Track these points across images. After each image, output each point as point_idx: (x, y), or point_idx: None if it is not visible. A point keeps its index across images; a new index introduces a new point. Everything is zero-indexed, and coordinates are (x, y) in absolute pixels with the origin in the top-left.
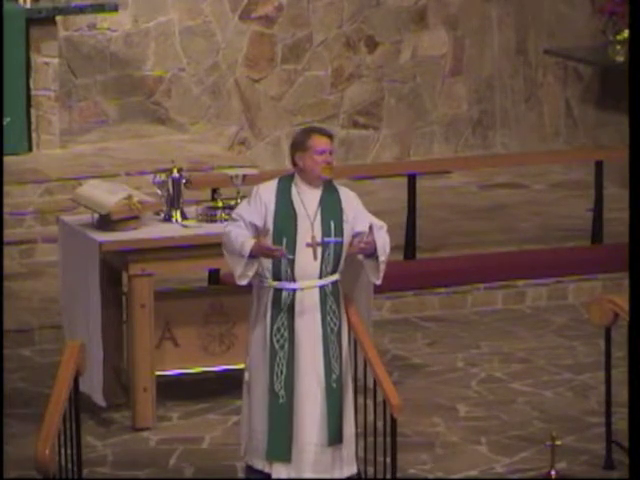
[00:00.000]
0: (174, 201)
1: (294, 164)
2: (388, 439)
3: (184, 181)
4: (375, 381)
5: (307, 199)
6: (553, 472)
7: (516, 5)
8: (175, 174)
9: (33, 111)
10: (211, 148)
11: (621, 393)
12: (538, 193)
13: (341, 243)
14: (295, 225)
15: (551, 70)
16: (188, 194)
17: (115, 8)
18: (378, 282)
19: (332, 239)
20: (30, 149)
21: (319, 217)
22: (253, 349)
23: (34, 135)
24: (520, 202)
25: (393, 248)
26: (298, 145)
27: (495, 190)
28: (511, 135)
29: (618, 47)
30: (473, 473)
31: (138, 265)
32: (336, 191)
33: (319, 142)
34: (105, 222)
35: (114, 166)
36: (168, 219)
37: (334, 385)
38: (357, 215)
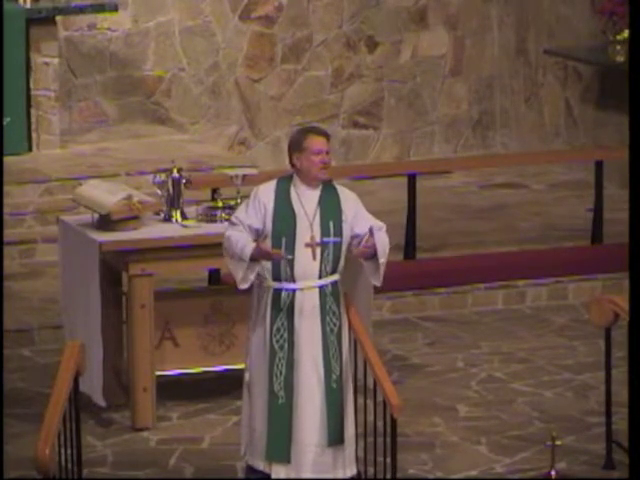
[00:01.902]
0: (174, 201)
1: (292, 164)
2: (388, 439)
3: (184, 181)
4: (375, 381)
5: (306, 199)
6: (553, 472)
7: (516, 5)
8: (175, 174)
9: (33, 111)
10: (211, 148)
11: (621, 393)
12: (538, 193)
13: (340, 243)
14: (294, 225)
15: (551, 70)
16: (188, 194)
17: (115, 8)
18: (379, 284)
19: (331, 239)
20: (30, 149)
21: (318, 217)
22: (253, 350)
23: (34, 135)
24: (520, 202)
25: (393, 248)
26: (295, 145)
27: (495, 190)
28: (511, 135)
29: (618, 47)
30: (473, 473)
31: (138, 265)
32: (335, 191)
33: (315, 142)
34: (105, 222)
35: (114, 166)
36: (168, 219)
37: (334, 385)
38: (356, 216)
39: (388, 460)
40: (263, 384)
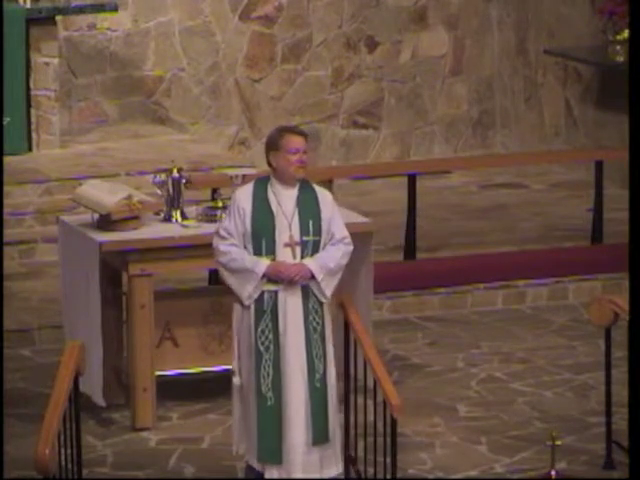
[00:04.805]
0: (174, 201)
1: (269, 164)
2: (388, 439)
3: (184, 181)
4: (375, 381)
5: (283, 199)
6: (553, 472)
7: (516, 5)
8: (175, 174)
9: (33, 111)
10: (211, 148)
11: (621, 393)
12: (538, 193)
13: (319, 242)
14: (273, 225)
15: (551, 70)
16: (188, 194)
17: (115, 8)
18: (325, 300)
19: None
20: (30, 149)
21: (297, 216)
22: (242, 353)
23: (34, 135)
24: (520, 202)
25: (393, 248)
26: (272, 144)
27: (495, 190)
28: (511, 135)
29: (618, 47)
30: (473, 473)
31: (138, 265)
32: (313, 190)
33: (292, 141)
34: (105, 222)
35: (114, 166)
36: (168, 219)
37: (317, 384)
38: (333, 218)
39: (388, 460)
40: (253, 387)
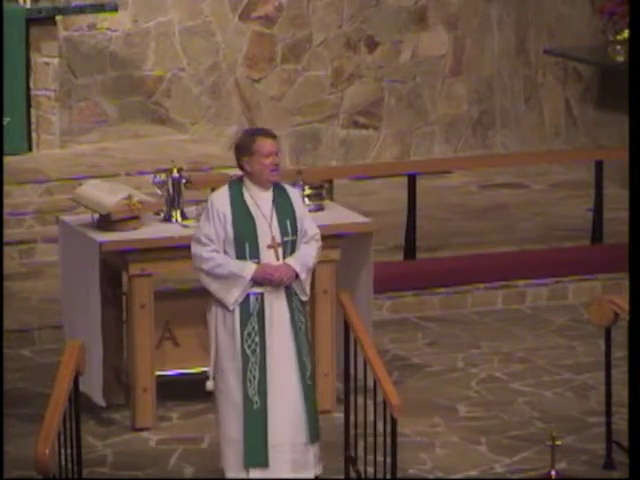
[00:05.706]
0: (174, 201)
1: (241, 168)
2: (388, 439)
3: (184, 181)
4: (375, 381)
5: (260, 201)
6: (553, 472)
7: (516, 5)
8: (175, 174)
9: (33, 111)
10: (211, 148)
11: (621, 393)
12: (538, 193)
13: (296, 241)
14: (255, 228)
15: (551, 70)
16: (188, 194)
17: (115, 8)
18: (305, 298)
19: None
20: (30, 149)
21: (275, 217)
22: (223, 358)
23: (34, 135)
24: (520, 202)
25: (393, 248)
26: (244, 150)
27: (495, 190)
28: (511, 135)
29: (618, 47)
30: (473, 473)
31: (138, 265)
32: (284, 190)
33: (264, 145)
34: (105, 222)
35: (114, 166)
36: (168, 219)
37: (309, 382)
38: (304, 215)
39: (388, 460)
40: (236, 392)
